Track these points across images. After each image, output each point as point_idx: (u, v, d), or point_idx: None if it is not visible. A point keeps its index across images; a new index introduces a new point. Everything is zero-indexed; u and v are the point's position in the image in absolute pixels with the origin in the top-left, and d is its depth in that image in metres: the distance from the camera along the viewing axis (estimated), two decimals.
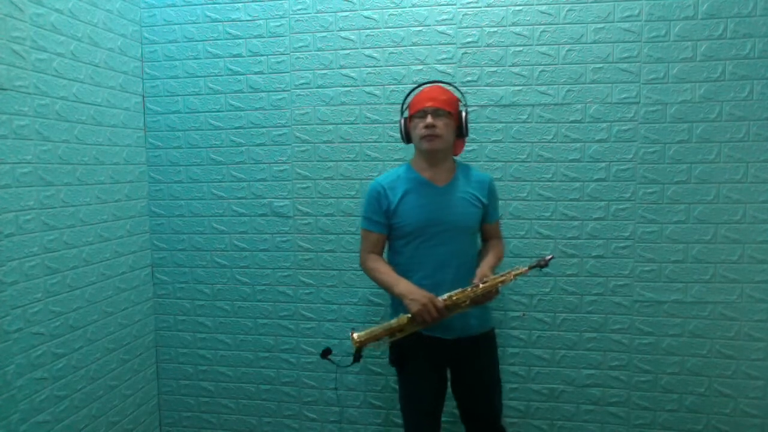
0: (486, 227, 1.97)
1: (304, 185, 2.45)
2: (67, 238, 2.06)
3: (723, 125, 2.16)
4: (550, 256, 1.75)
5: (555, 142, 2.26)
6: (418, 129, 1.81)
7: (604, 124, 2.23)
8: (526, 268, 1.76)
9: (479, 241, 2.00)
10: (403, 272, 1.84)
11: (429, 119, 1.78)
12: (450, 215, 1.83)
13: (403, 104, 2.00)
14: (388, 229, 1.89)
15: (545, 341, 2.34)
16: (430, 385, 1.90)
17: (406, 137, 1.93)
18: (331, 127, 2.41)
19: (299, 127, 2.43)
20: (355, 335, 1.77)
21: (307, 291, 2.49)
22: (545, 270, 2.28)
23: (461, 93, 2.03)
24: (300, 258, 2.48)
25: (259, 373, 2.56)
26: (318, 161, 2.43)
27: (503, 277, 1.73)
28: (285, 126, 2.44)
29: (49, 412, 1.98)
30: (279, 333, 2.53)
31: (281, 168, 2.46)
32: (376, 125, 2.37)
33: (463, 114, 1.87)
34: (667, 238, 2.23)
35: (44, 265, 1.95)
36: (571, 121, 2.25)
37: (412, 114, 1.84)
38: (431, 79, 2.14)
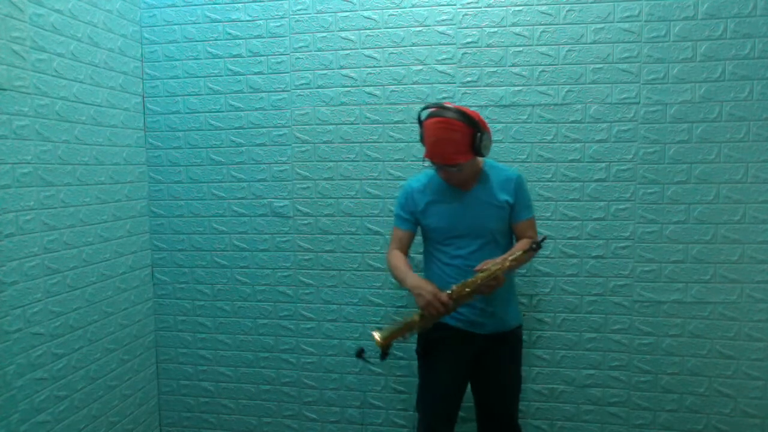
0: (516, 226, 1.89)
1: (304, 185, 2.45)
2: (67, 239, 2.06)
3: (723, 125, 2.16)
4: (542, 237, 1.74)
5: (555, 143, 2.26)
6: (437, 171, 1.84)
7: (604, 125, 2.23)
8: (520, 252, 1.73)
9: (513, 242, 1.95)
10: (433, 275, 1.88)
11: (443, 174, 1.83)
12: (469, 219, 1.85)
13: (420, 132, 1.81)
14: (415, 227, 1.95)
15: (545, 341, 2.34)
16: (451, 381, 1.90)
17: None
18: (331, 127, 2.41)
19: (299, 127, 2.43)
20: (378, 337, 1.78)
21: (307, 291, 2.49)
22: (545, 270, 2.30)
23: (470, 119, 1.71)
24: (300, 258, 2.48)
25: (259, 373, 2.56)
26: (318, 161, 2.43)
27: (499, 264, 1.70)
28: (285, 126, 2.44)
29: (49, 412, 1.98)
30: (279, 333, 2.53)
31: (281, 168, 2.46)
32: (376, 125, 2.37)
33: (477, 139, 1.72)
34: (667, 238, 2.23)
35: (44, 265, 1.95)
36: (571, 122, 2.24)
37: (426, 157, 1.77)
38: (434, 109, 1.77)
